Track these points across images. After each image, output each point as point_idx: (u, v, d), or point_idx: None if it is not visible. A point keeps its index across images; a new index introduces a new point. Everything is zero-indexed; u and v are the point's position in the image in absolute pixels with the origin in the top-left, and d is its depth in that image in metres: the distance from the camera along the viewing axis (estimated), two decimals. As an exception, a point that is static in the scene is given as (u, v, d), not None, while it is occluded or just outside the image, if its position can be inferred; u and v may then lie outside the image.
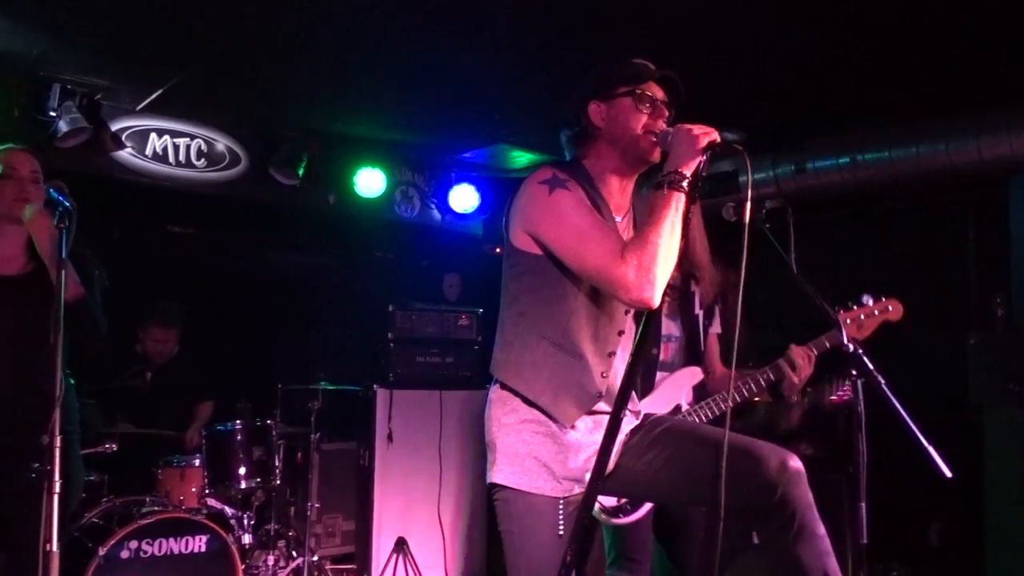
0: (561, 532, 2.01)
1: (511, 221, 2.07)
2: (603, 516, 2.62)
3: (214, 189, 4.83)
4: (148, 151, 4.57)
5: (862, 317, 2.72)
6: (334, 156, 5.13)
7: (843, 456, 4.15)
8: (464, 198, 5.65)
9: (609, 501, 2.64)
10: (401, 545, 4.53)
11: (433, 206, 5.72)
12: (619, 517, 2.66)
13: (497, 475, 2.06)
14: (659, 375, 2.84)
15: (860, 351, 2.57)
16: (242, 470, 3.86)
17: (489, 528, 4.92)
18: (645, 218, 1.93)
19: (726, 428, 1.94)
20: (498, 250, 6.31)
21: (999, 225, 4.13)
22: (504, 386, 2.09)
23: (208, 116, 4.74)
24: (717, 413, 2.75)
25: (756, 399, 2.82)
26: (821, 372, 2.83)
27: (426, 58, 3.77)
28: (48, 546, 2.12)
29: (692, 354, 2.87)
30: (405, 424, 4.76)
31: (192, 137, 4.73)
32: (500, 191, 5.69)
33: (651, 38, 3.48)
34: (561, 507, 2.03)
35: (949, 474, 2.39)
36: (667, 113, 2.08)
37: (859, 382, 2.49)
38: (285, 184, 4.94)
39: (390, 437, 4.71)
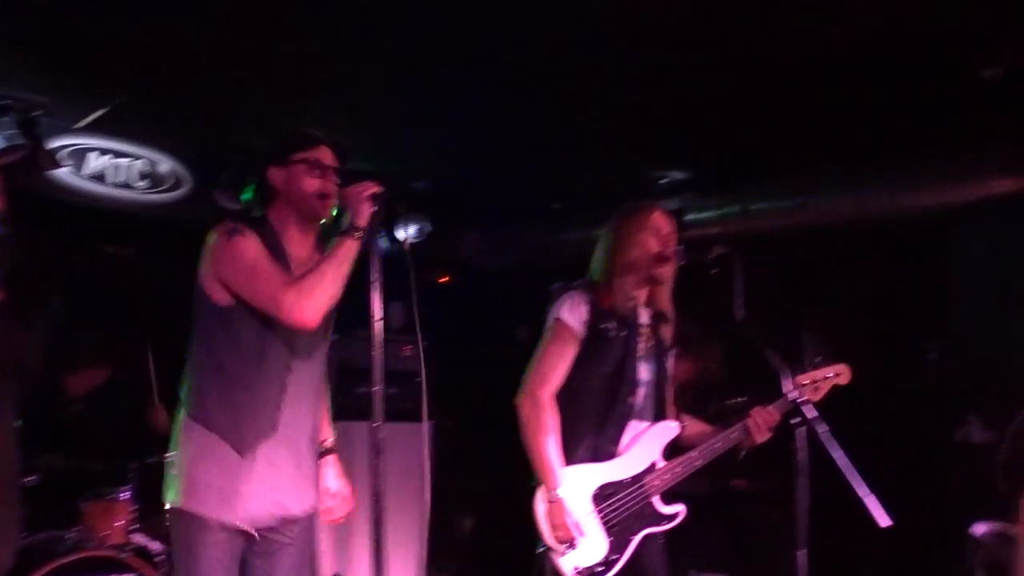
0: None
1: (201, 268, 2.34)
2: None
3: (155, 211, 4.71)
4: (87, 171, 4.45)
5: (818, 380, 2.72)
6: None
7: (781, 495, 4.19)
8: (407, 227, 5.60)
9: (590, 560, 2.61)
10: (337, 581, 4.42)
11: (380, 234, 5.64)
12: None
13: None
14: (633, 424, 2.77)
15: (803, 397, 2.60)
16: (172, 504, 3.72)
17: (430, 561, 4.84)
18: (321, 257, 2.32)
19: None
20: (441, 280, 6.32)
21: (937, 273, 4.22)
22: (189, 417, 2.34)
23: (153, 137, 4.63)
24: (691, 472, 2.74)
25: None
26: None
27: (373, 86, 3.74)
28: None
29: (658, 401, 2.82)
30: (342, 457, 4.64)
31: (135, 158, 4.62)
32: (448, 219, 5.65)
33: (605, 81, 3.52)
34: (231, 535, 2.26)
35: (887, 522, 2.43)
36: (335, 176, 2.40)
37: (801, 430, 2.53)
38: (230, 209, 4.83)
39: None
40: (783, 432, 2.73)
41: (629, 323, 2.76)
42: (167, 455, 3.77)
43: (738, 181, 4.62)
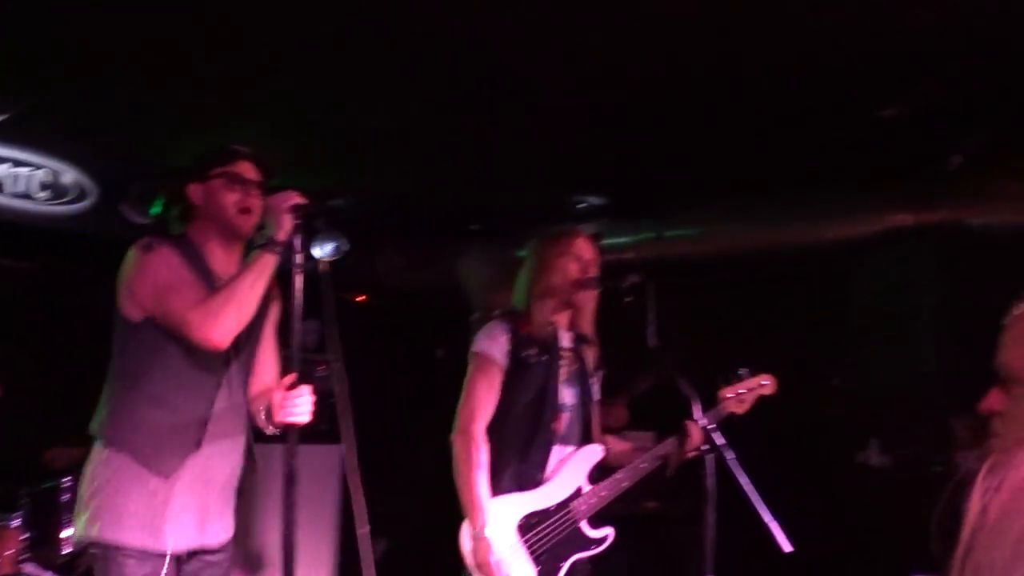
0: None
1: (119, 286, 2.25)
2: None
3: (57, 223, 4.50)
4: (-18, 179, 4.24)
5: (743, 392, 2.76)
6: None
7: (690, 517, 4.25)
8: (324, 245, 5.50)
9: None
10: (243, 611, 4.27)
11: (302, 248, 5.54)
12: None
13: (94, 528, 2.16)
14: (557, 449, 2.74)
15: (712, 425, 2.66)
16: (67, 532, 3.55)
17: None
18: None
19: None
20: (358, 299, 6.23)
21: (840, 302, 4.37)
22: (105, 444, 2.22)
23: (56, 146, 4.43)
24: (618, 494, 2.73)
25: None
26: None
27: (290, 100, 3.67)
28: None
29: (583, 425, 2.80)
30: (257, 479, 4.52)
31: (36, 167, 4.41)
32: (366, 238, 5.59)
33: (526, 106, 3.55)
34: (156, 561, 2.16)
35: (789, 548, 2.49)
36: (258, 190, 2.33)
37: (710, 456, 2.58)
38: (138, 223, 4.67)
39: (239, 493, 4.46)
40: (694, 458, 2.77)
41: (550, 348, 2.75)
42: (62, 481, 3.62)
43: (654, 208, 4.72)
